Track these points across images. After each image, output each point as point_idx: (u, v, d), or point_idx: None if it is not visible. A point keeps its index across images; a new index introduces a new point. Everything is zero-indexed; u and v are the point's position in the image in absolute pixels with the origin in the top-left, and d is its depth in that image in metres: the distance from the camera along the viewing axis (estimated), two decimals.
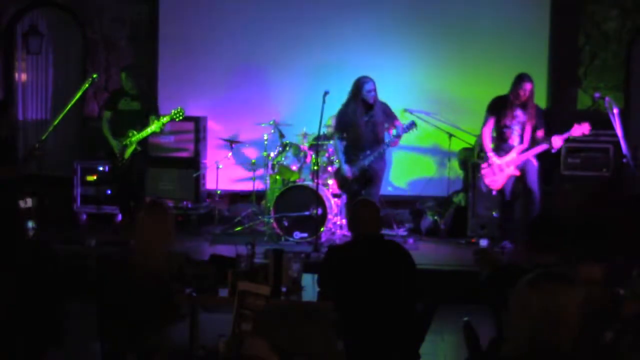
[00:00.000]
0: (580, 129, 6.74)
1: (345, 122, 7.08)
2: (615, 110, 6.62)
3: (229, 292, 3.94)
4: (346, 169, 7.08)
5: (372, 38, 8.75)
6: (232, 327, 3.51)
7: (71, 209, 8.55)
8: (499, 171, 7.07)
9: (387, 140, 7.08)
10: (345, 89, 7.13)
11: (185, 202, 8.46)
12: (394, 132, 7.08)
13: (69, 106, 7.22)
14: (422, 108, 8.60)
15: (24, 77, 9.52)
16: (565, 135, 6.80)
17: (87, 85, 7.33)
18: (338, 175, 7.29)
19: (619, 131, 6.60)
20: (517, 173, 7.04)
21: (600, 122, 7.53)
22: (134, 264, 3.72)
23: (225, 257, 4.44)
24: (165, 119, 7.23)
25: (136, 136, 7.31)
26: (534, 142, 6.96)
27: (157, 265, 3.71)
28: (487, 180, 7.18)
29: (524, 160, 7.01)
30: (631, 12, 8.69)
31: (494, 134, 7.22)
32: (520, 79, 6.92)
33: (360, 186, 7.09)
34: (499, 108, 7.07)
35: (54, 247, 3.81)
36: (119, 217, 8.04)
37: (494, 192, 7.26)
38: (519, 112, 6.98)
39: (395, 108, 7.62)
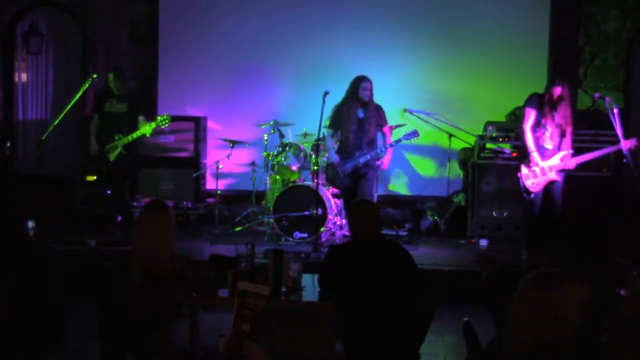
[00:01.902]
0: (628, 144, 6.50)
1: (339, 119, 7.14)
2: (615, 110, 6.59)
3: (229, 292, 3.94)
4: (334, 158, 7.12)
5: (372, 38, 8.74)
6: (232, 327, 3.51)
7: (71, 209, 8.54)
8: (542, 174, 6.61)
9: (380, 144, 7.13)
10: (345, 89, 7.17)
11: (185, 202, 8.46)
12: (400, 133, 7.14)
13: (69, 106, 7.23)
14: (422, 108, 8.59)
15: (24, 77, 9.52)
16: (615, 148, 6.63)
17: (87, 85, 7.34)
18: (328, 170, 7.30)
19: (619, 131, 6.58)
20: (559, 178, 6.62)
21: (600, 122, 7.51)
22: (134, 264, 3.71)
23: (225, 257, 4.44)
24: (151, 125, 7.23)
25: (122, 140, 7.30)
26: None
27: (158, 266, 3.71)
28: (527, 183, 6.66)
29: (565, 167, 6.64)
30: (631, 12, 8.68)
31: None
32: (551, 81, 6.68)
33: (353, 183, 7.11)
34: (538, 103, 6.64)
35: (54, 247, 3.80)
36: (119, 217, 8.04)
37: (532, 195, 6.69)
38: (553, 113, 6.59)
39: (395, 108, 7.63)
